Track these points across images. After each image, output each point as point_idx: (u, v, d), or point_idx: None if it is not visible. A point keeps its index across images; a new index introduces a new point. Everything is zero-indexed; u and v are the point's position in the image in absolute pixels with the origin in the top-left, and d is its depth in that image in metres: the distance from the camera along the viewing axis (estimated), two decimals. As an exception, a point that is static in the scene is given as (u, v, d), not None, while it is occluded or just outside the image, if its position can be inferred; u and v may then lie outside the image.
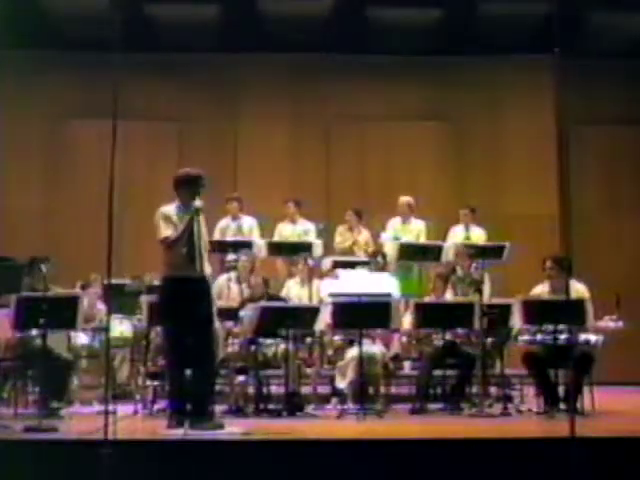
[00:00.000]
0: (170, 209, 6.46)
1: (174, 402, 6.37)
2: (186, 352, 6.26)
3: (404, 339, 8.27)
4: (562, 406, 7.26)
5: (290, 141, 12.29)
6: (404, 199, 10.53)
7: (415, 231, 10.46)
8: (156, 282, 7.94)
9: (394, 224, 10.51)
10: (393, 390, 8.22)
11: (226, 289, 8.40)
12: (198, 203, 6.37)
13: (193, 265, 6.32)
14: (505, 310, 7.67)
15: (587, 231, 11.28)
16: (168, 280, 6.44)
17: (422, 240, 10.37)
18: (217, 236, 9.87)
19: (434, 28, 11.88)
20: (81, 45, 11.47)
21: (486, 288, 8.65)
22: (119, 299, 8.52)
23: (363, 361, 7.41)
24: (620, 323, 7.33)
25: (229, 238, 9.92)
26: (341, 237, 10.45)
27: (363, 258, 9.73)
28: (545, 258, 7.75)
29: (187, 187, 6.46)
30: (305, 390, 8.06)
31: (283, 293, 9.15)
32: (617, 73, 12.27)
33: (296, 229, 10.41)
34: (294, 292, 9.21)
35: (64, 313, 6.89)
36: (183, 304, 6.27)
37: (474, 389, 7.95)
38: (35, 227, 11.57)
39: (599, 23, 11.76)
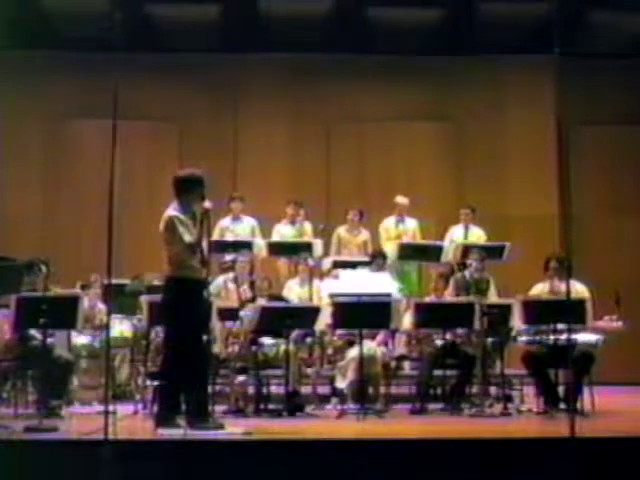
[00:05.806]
0: (179, 212, 6.33)
1: (169, 402, 6.31)
2: (190, 352, 6.22)
3: (404, 339, 8.27)
4: (562, 406, 7.25)
5: (290, 141, 12.28)
6: (405, 200, 10.53)
7: (411, 231, 10.50)
8: (156, 282, 7.97)
9: (387, 225, 10.52)
10: (393, 390, 8.20)
11: (224, 290, 8.40)
12: (208, 204, 6.30)
13: (206, 267, 6.32)
14: (505, 310, 7.67)
15: (587, 231, 11.26)
16: (183, 282, 6.26)
17: (418, 238, 10.40)
18: (216, 236, 9.86)
19: (434, 28, 11.89)
20: (81, 45, 11.46)
21: (492, 293, 8.64)
22: (119, 299, 8.52)
23: (363, 361, 7.41)
24: (620, 323, 7.33)
25: (229, 238, 9.92)
26: (335, 247, 10.43)
27: (363, 258, 9.72)
28: (549, 258, 7.74)
29: (192, 188, 6.37)
30: (305, 390, 8.04)
31: (284, 293, 9.15)
32: (617, 73, 12.26)
33: (294, 229, 10.40)
34: (294, 292, 9.20)
35: (64, 313, 6.88)
36: (196, 306, 6.25)
37: (474, 389, 7.94)
38: (35, 227, 11.56)
39: (599, 23, 11.76)
